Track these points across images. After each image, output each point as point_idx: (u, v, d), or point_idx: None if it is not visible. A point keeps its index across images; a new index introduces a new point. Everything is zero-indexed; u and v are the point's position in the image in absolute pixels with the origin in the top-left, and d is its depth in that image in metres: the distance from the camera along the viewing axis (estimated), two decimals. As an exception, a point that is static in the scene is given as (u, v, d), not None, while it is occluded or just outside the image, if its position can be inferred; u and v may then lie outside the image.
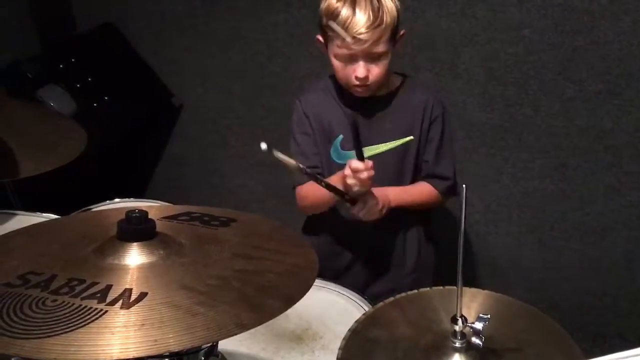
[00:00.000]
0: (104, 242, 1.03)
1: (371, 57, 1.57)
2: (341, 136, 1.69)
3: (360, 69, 1.57)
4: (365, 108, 1.68)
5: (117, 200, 1.99)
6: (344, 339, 1.13)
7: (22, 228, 1.18)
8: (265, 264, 1.04)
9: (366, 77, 1.58)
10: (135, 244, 1.01)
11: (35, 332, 0.84)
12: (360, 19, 1.52)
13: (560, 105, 2.08)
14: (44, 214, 1.86)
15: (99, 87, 2.63)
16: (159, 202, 1.88)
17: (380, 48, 1.56)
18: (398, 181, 1.71)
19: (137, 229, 1.02)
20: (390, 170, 1.70)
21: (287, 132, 1.78)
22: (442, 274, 1.77)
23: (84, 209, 1.89)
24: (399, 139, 1.68)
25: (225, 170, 2.86)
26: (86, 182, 2.51)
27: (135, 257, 0.99)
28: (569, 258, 2.23)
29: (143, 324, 0.85)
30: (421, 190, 1.72)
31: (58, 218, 1.65)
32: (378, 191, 1.60)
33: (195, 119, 2.85)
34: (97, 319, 0.86)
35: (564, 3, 1.97)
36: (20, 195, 2.05)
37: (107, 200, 1.99)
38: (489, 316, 1.04)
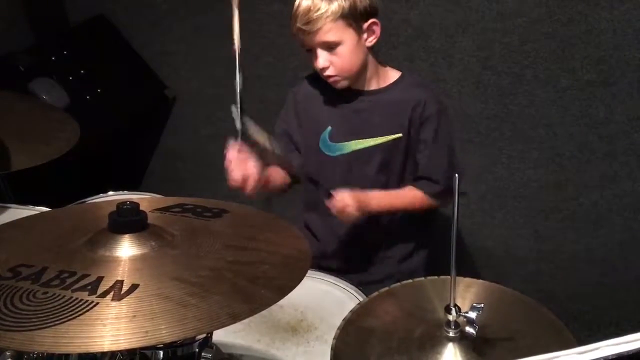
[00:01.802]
0: (95, 234, 1.02)
1: (326, 47, 1.55)
2: (329, 128, 1.68)
3: (319, 59, 1.56)
4: (355, 101, 1.66)
5: (110, 193, 1.98)
6: (338, 328, 1.12)
7: (13, 221, 1.17)
8: (258, 255, 1.03)
9: (326, 68, 1.57)
10: (126, 235, 1.00)
11: (26, 324, 0.83)
12: (303, 7, 1.52)
13: (555, 94, 2.08)
14: (36, 207, 1.85)
15: (91, 79, 2.61)
16: (153, 194, 1.87)
17: (331, 37, 1.53)
18: (384, 178, 1.68)
19: (129, 220, 1.01)
20: (376, 166, 1.67)
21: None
22: (436, 263, 1.76)
23: (77, 202, 1.88)
24: (388, 135, 1.65)
25: (219, 162, 2.84)
26: (79, 175, 2.50)
27: (126, 248, 0.98)
28: (564, 248, 2.23)
29: (135, 316, 0.85)
30: (405, 194, 1.67)
31: (49, 210, 1.64)
32: (359, 194, 1.58)
33: (189, 111, 2.84)
34: (88, 311, 0.85)
35: (558, -8, 1.97)
36: (13, 189, 2.04)
37: (100, 193, 1.98)
38: (482, 306, 1.04)
